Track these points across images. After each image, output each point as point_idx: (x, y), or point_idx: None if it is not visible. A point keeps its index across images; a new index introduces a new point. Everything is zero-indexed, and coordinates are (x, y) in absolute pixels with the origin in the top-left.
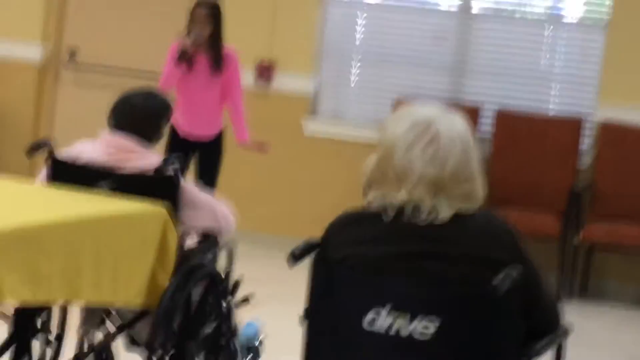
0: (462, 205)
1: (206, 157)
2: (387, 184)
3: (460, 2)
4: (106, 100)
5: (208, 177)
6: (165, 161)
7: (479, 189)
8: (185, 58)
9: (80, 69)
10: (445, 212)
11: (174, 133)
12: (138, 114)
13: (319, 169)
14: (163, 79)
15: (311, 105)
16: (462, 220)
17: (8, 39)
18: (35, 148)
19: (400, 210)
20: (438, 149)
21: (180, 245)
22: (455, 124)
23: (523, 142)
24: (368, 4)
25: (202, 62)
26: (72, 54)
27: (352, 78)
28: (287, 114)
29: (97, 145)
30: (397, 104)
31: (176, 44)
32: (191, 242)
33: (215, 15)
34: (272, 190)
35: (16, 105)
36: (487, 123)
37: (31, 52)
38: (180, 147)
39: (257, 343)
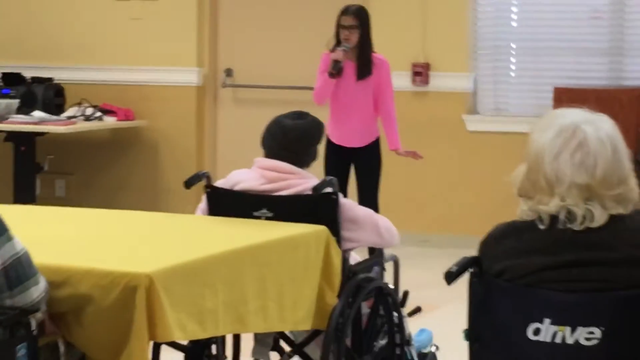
0: (617, 208)
1: (364, 166)
2: (538, 193)
3: None
4: (264, 116)
5: (368, 187)
6: (323, 181)
7: (633, 190)
8: (336, 70)
9: (237, 88)
10: (600, 216)
11: (329, 145)
12: (290, 138)
13: (484, 165)
14: (316, 92)
15: (471, 102)
16: (619, 221)
17: (167, 67)
18: (193, 180)
19: (554, 218)
20: (587, 154)
21: (345, 262)
22: (603, 127)
23: None
24: None
25: (351, 70)
26: (228, 75)
27: (511, 70)
28: (447, 112)
29: (252, 173)
30: (557, 93)
31: (326, 55)
32: (356, 257)
33: (362, 21)
34: (440, 190)
35: (178, 126)
36: None
37: (189, 77)
38: (337, 158)
39: (432, 349)
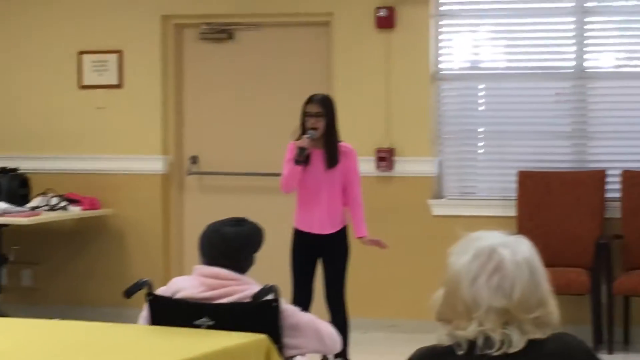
0: (535, 332)
1: (331, 254)
2: (456, 317)
3: (574, 63)
4: (230, 203)
5: (335, 276)
6: (263, 288)
7: (553, 313)
8: (302, 157)
9: (202, 175)
10: (518, 341)
11: (296, 233)
12: (231, 246)
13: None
14: (284, 180)
15: (436, 187)
16: (537, 346)
17: (132, 155)
18: (134, 289)
19: (472, 343)
20: (504, 277)
21: None
22: (520, 249)
23: None
24: (475, 75)
25: (318, 158)
26: (194, 162)
27: (477, 154)
28: (412, 196)
29: (193, 280)
30: (521, 176)
31: (293, 145)
32: None
33: (327, 109)
34: (406, 274)
35: (144, 214)
36: (614, 186)
37: (155, 164)
38: (304, 246)
39: None
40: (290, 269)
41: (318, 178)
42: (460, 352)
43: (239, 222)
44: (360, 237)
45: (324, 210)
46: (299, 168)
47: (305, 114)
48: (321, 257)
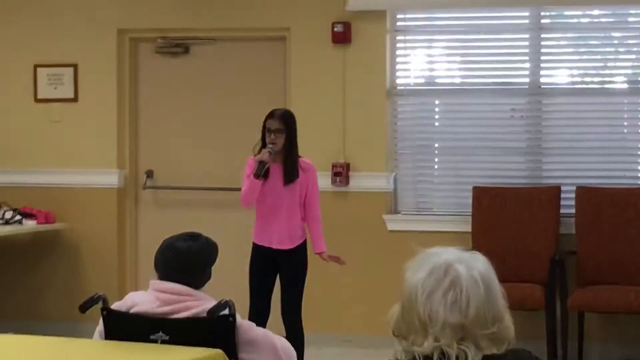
0: (491, 348)
1: (289, 269)
2: (412, 333)
3: (530, 79)
4: (186, 217)
5: (292, 291)
6: (218, 304)
7: (509, 328)
8: (261, 171)
9: (158, 190)
10: (473, 357)
11: (255, 248)
12: (185, 261)
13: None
14: (243, 195)
15: (391, 202)
16: None
17: (87, 169)
18: (88, 303)
19: (429, 359)
20: (459, 293)
21: None
22: (476, 265)
23: (607, 218)
24: (430, 90)
25: (277, 173)
26: (149, 176)
27: (433, 170)
28: (367, 211)
29: (148, 296)
30: (476, 192)
31: (252, 160)
32: None
33: (288, 125)
34: (361, 289)
35: (100, 229)
36: (569, 202)
37: (110, 179)
38: (262, 261)
39: None
40: (249, 283)
41: (277, 193)
42: None
43: (193, 237)
44: (319, 253)
45: (283, 225)
46: (258, 182)
47: (265, 129)
48: (279, 271)
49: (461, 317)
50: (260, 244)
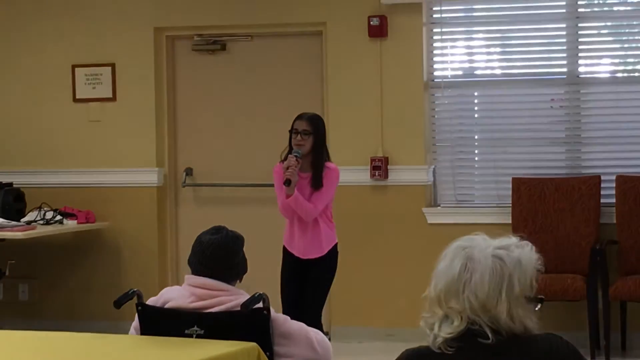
0: (512, 326)
1: (314, 279)
2: (436, 317)
3: (568, 69)
4: (225, 214)
5: (314, 301)
6: (252, 297)
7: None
8: (292, 192)
9: (197, 187)
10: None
11: (285, 253)
12: (207, 254)
13: None
14: (281, 210)
15: (430, 195)
16: (525, 342)
17: (127, 168)
18: (123, 299)
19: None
20: (474, 275)
21: None
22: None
23: None
24: (468, 82)
25: (304, 179)
26: (188, 174)
27: (473, 162)
28: (407, 205)
29: (183, 290)
30: (516, 183)
31: (279, 168)
32: None
33: (315, 128)
34: (403, 283)
35: (140, 227)
36: (609, 192)
37: (149, 177)
38: (291, 267)
39: None
40: (280, 284)
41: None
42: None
43: (216, 230)
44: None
45: (307, 236)
46: (291, 199)
47: (292, 130)
48: (305, 279)
49: (481, 297)
50: (289, 250)
